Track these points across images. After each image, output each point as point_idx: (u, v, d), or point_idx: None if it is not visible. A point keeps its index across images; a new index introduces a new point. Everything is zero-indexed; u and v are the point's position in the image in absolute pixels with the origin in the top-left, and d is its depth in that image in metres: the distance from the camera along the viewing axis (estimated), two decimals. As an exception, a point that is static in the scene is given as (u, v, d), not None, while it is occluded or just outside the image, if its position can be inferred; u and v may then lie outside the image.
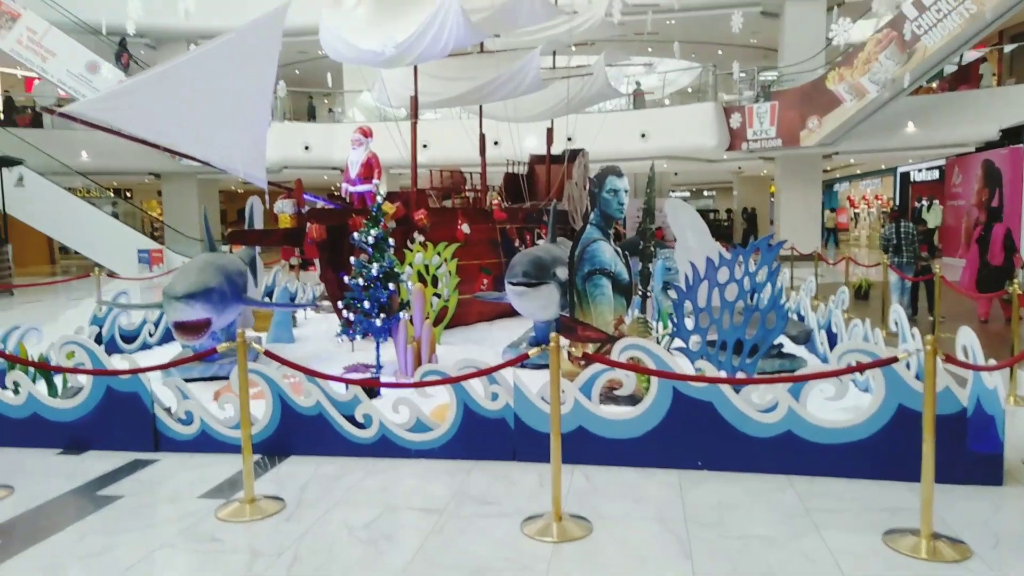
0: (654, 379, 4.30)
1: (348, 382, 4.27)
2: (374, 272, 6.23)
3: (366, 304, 6.22)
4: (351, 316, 6.32)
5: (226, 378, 5.98)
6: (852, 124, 17.41)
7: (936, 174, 22.10)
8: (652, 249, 5.49)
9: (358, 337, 6.50)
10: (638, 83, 21.15)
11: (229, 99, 6.22)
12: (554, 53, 11.83)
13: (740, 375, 5.49)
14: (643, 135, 19.08)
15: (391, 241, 6.47)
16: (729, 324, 5.50)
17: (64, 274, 21.09)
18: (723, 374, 5.51)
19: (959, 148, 18.78)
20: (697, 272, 5.50)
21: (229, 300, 6.16)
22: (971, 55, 18.98)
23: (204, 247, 6.93)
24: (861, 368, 3.61)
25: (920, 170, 23.47)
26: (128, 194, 28.41)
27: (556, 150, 12.13)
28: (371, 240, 6.31)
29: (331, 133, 20.26)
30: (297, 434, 4.53)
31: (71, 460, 4.57)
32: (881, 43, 16.18)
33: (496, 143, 11.96)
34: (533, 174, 12.52)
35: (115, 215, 22.12)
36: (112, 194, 25.18)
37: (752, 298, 5.52)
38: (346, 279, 6.33)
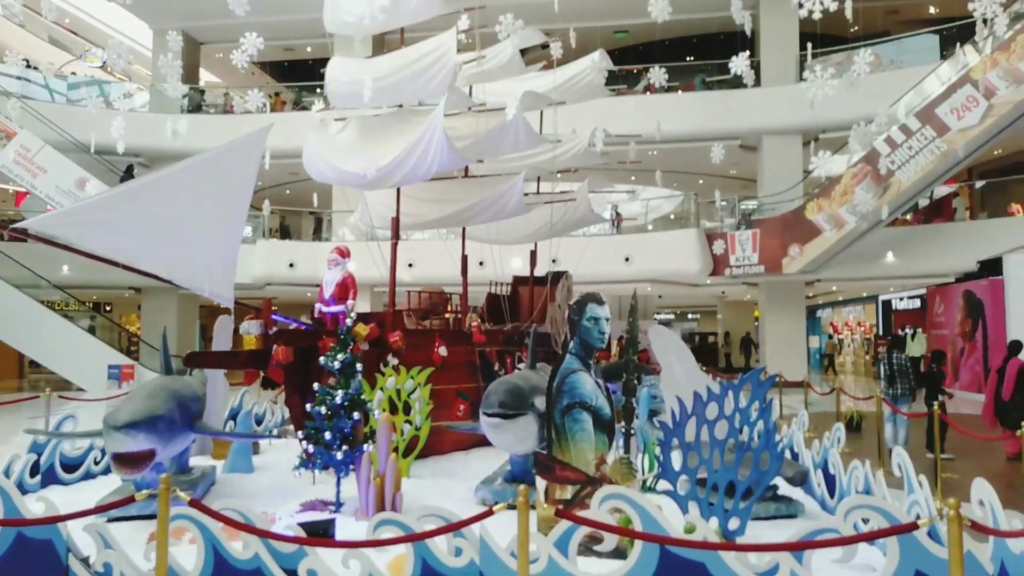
0: (638, 526, 3.83)
1: (282, 539, 3.75)
2: (338, 400, 5.81)
3: (327, 435, 5.75)
4: (310, 447, 5.83)
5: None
6: (832, 253, 17.62)
7: (918, 303, 22.23)
8: (635, 382, 5.14)
9: (317, 471, 6.00)
10: (616, 209, 21.42)
11: (201, 218, 6.04)
12: (538, 178, 11.96)
13: (734, 521, 5.01)
14: (627, 259, 19.18)
15: (359, 366, 6.10)
16: (720, 465, 5.08)
17: (32, 389, 20.26)
18: (714, 521, 5.03)
19: (938, 279, 18.96)
20: (684, 407, 5.14)
21: (179, 429, 5.69)
22: (943, 190, 19.56)
23: (160, 369, 6.51)
24: (875, 536, 3.18)
25: (902, 298, 23.65)
26: (108, 308, 27.99)
27: (540, 272, 12.03)
28: (337, 365, 5.93)
29: (317, 251, 20.25)
30: (231, 591, 3.95)
31: (-35, 620, 3.95)
32: (857, 176, 16.64)
33: (481, 263, 11.88)
34: (516, 296, 12.34)
35: (92, 329, 21.61)
36: (91, 308, 24.78)
37: (743, 431, 5.13)
38: (308, 407, 5.89)
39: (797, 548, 3.36)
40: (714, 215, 21.10)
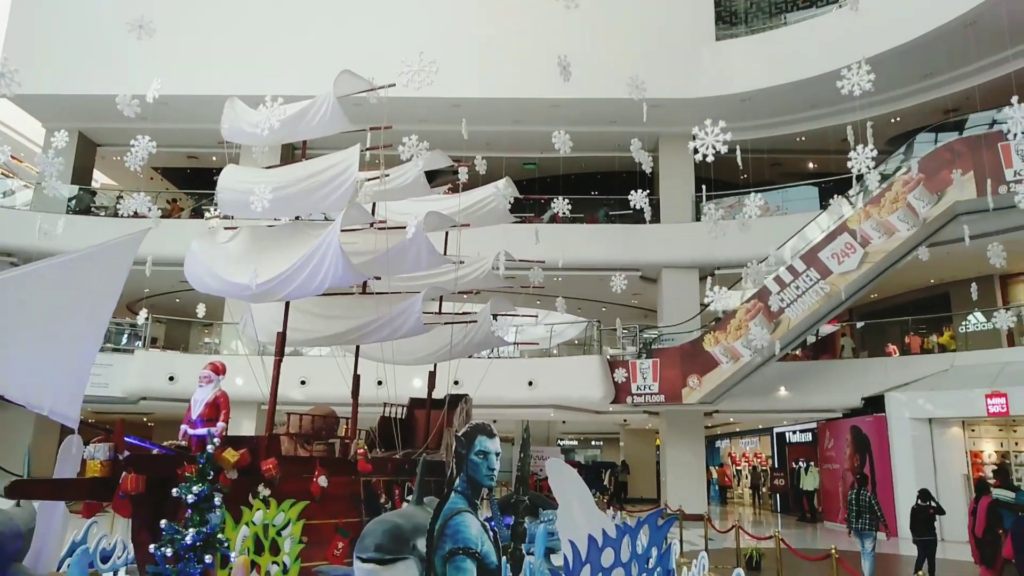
0: None
1: None
2: (188, 540, 5.04)
3: (171, 583, 4.94)
4: (149, 598, 4.99)
5: None
6: (729, 385, 18.01)
7: (809, 436, 22.88)
8: (524, 527, 4.70)
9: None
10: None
11: (49, 326, 5.38)
12: (440, 298, 11.74)
13: None
14: (531, 383, 18.96)
15: (218, 499, 5.39)
16: (615, 619, 4.63)
17: None
18: None
19: (828, 413, 19.65)
20: (578, 553, 4.71)
21: (-14, 574, 4.75)
22: (827, 329, 20.70)
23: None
24: None
25: (795, 432, 24.31)
26: (-46, 420, 25.00)
27: (440, 394, 11.55)
28: (192, 498, 5.21)
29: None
30: None
31: None
32: (750, 312, 17.35)
33: (380, 383, 11.31)
34: (412, 419, 11.74)
35: (-71, 446, 19.05)
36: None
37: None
38: (151, 548, 5.09)
39: None
40: (617, 343, 21.40)
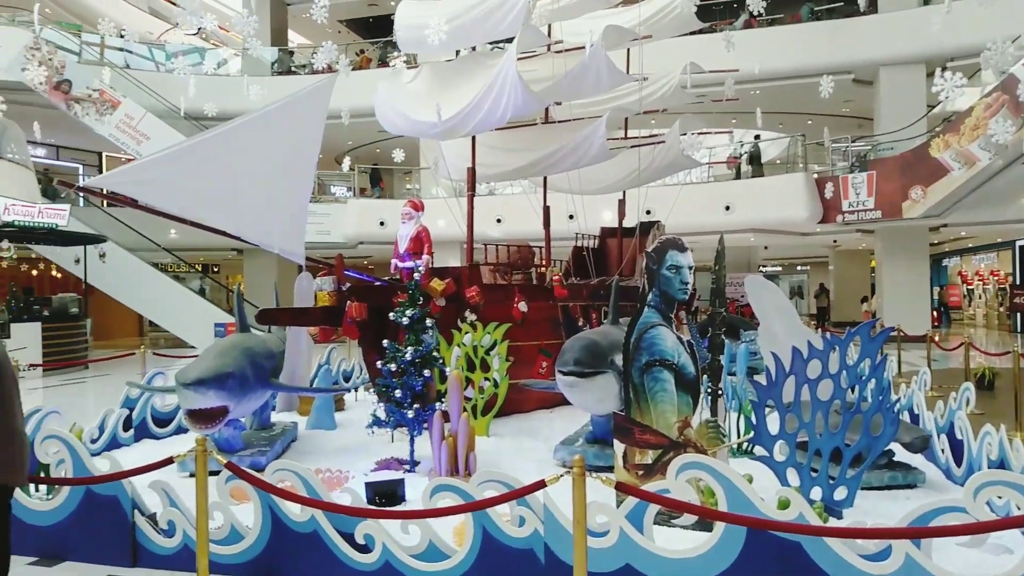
0: (722, 501, 3.38)
1: (305, 502, 3.51)
2: (408, 356, 5.58)
3: (397, 393, 5.55)
4: (382, 405, 5.67)
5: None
6: (962, 194, 15.92)
7: (1062, 247, 19.95)
8: (722, 338, 4.60)
9: (391, 429, 5.84)
10: (744, 149, 19.79)
11: (267, 172, 5.89)
12: (626, 121, 11.27)
13: (840, 491, 4.45)
14: (727, 208, 18.11)
15: (429, 322, 5.85)
16: (824, 429, 4.51)
17: (153, 346, 21.60)
18: (817, 491, 4.49)
19: (1088, 219, 16.84)
20: (781, 365, 4.57)
21: (252, 386, 5.64)
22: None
23: (236, 327, 6.52)
24: (1016, 524, 2.57)
25: (1042, 243, 21.31)
26: (216, 269, 29.37)
27: (631, 222, 11.43)
28: (406, 321, 5.70)
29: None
30: (288, 555, 3.80)
31: (41, 573, 3.99)
32: (991, 108, 14.83)
33: (571, 216, 11.42)
34: (604, 248, 11.81)
35: (202, 291, 22.67)
36: (200, 271, 26.04)
37: (853, 391, 4.54)
38: (378, 364, 5.71)
39: (912, 535, 2.79)
40: (824, 158, 19.54)
